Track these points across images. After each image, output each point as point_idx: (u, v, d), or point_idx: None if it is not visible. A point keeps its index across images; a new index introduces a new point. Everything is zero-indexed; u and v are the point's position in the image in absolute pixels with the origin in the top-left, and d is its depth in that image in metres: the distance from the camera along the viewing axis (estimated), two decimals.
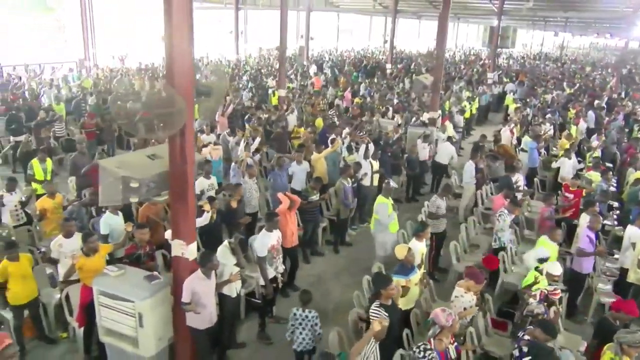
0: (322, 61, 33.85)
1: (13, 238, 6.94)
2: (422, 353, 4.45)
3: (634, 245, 7.31)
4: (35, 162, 9.58)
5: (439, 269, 8.81)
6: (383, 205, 8.03)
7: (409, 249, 6.19)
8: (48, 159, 9.82)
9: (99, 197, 5.28)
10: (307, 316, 5.87)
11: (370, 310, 5.28)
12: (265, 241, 6.59)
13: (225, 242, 6.34)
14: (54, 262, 6.66)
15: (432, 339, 4.76)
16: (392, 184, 8.58)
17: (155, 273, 5.91)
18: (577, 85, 24.46)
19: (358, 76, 26.96)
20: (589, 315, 7.55)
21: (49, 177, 9.62)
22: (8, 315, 6.64)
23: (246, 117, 14.43)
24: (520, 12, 25.34)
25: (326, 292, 8.26)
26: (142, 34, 35.02)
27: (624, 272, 7.59)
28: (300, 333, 5.89)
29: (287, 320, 7.21)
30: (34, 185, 9.54)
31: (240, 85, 20.77)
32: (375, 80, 24.75)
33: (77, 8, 24.33)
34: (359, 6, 41.51)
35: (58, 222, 8.00)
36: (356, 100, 18.63)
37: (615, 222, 9.77)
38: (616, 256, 8.38)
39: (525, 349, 4.79)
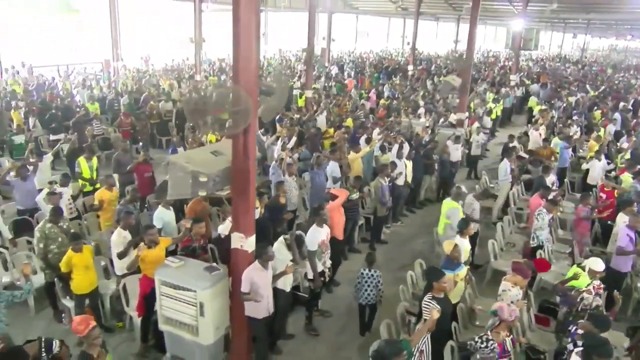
0: (342, 63, 34.12)
1: (72, 230, 7.28)
2: (484, 343, 4.66)
3: None
4: (82, 160, 9.91)
5: (474, 266, 8.98)
6: (454, 210, 8.23)
7: (456, 245, 6.39)
8: (94, 157, 10.16)
9: (168, 191, 5.54)
10: (372, 275, 6.79)
11: (423, 302, 5.50)
12: (316, 236, 6.83)
13: (281, 238, 6.61)
14: (125, 256, 6.87)
15: (489, 331, 4.97)
16: (464, 189, 8.77)
17: (214, 264, 6.18)
18: (602, 87, 24.40)
19: (379, 77, 27.19)
20: (628, 313, 7.68)
21: (94, 175, 9.98)
22: (69, 303, 6.98)
23: (277, 117, 14.69)
24: (543, 14, 25.37)
25: None
26: (164, 36, 35.70)
27: None
28: (366, 290, 6.82)
29: (331, 314, 7.53)
30: (81, 182, 9.87)
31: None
32: (397, 81, 24.90)
33: (100, 9, 24.81)
34: (379, 8, 41.69)
35: (112, 214, 8.41)
36: (382, 101, 18.84)
37: None
38: None
39: (579, 342, 4.97)
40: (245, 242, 5.85)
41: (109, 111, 16.34)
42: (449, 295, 5.80)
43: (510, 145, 12.14)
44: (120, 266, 6.92)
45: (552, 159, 11.88)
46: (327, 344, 7.03)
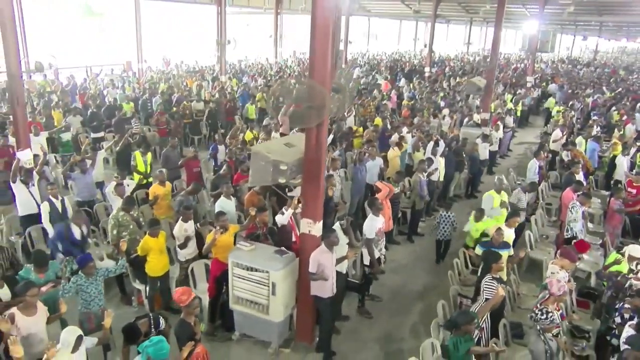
0: (357, 65, 34.63)
1: (141, 218, 7.82)
2: (544, 315, 5.14)
3: None
4: (137, 154, 10.43)
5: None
6: (489, 197, 8.75)
7: (499, 228, 6.89)
8: (149, 153, 10.68)
9: (249, 179, 6.06)
10: (448, 216, 9.00)
11: (484, 283, 5.99)
12: (374, 224, 7.34)
13: (337, 224, 7.11)
14: (184, 247, 7.41)
15: (538, 304, 5.45)
16: (505, 181, 9.29)
17: (283, 248, 6.70)
18: (619, 89, 24.84)
19: (396, 79, 27.71)
20: None
21: (149, 169, 10.52)
22: (139, 286, 7.51)
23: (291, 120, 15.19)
24: (561, 17, 25.82)
25: (411, 275, 9.01)
26: (184, 38, 36.37)
27: None
28: (443, 227, 9.00)
29: (381, 299, 8.04)
30: (135, 176, 10.40)
31: (290, 87, 21.57)
32: (416, 83, 25.39)
33: (121, 12, 25.29)
34: (392, 11, 42.16)
35: (167, 208, 8.96)
36: (404, 102, 19.34)
37: None
38: None
39: (627, 315, 5.46)
40: (314, 227, 6.36)
41: (142, 111, 16.88)
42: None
43: (543, 143, 12.57)
44: (182, 254, 7.47)
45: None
46: (380, 325, 7.52)
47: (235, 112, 17.56)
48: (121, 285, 7.81)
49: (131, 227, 7.54)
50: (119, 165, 12.14)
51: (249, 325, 6.82)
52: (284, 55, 36.87)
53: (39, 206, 8.32)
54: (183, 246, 7.28)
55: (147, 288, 7.31)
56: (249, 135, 12.64)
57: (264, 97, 18.98)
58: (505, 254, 7.00)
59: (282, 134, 13.77)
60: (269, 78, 24.68)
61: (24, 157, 8.74)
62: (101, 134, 14.32)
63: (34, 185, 8.60)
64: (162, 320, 5.40)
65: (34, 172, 8.69)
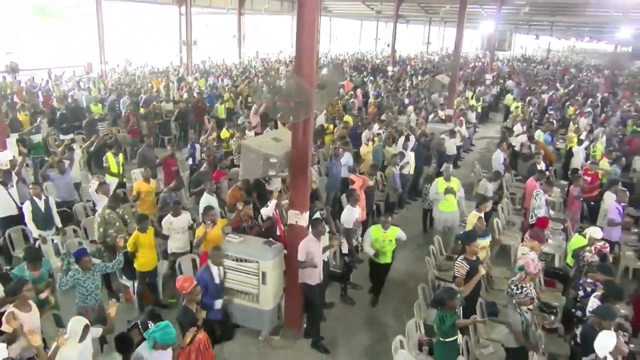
0: (322, 65, 35.01)
1: (126, 216, 7.94)
2: (519, 290, 5.60)
3: None
4: (109, 155, 10.48)
5: None
6: (434, 184, 9.24)
7: (480, 217, 7.37)
8: (120, 153, 10.74)
9: (240, 172, 6.31)
10: None
11: (455, 262, 6.44)
12: (352, 214, 7.71)
13: (318, 214, 7.44)
14: (166, 238, 7.63)
15: (516, 282, 5.93)
16: (452, 169, 9.78)
17: (271, 239, 6.97)
18: (572, 85, 26.14)
19: (359, 78, 28.23)
20: (617, 277, 8.80)
21: (121, 170, 10.58)
22: (127, 283, 7.64)
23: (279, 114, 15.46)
24: (517, 17, 26.93)
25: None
26: (145, 39, 35.93)
27: None
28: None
29: (362, 287, 8.41)
30: (108, 177, 10.42)
31: (258, 87, 21.78)
32: (381, 81, 25.97)
33: (78, 13, 24.92)
34: (354, 11, 42.81)
35: (150, 205, 9.08)
36: (371, 100, 19.86)
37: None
38: (635, 230, 9.76)
39: (589, 289, 6.01)
40: (301, 218, 6.66)
41: (110, 112, 16.76)
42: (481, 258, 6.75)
43: (506, 136, 13.26)
44: (171, 246, 7.69)
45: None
46: (364, 311, 7.90)
47: (204, 112, 17.65)
48: (108, 282, 7.90)
49: (117, 224, 7.64)
50: (94, 166, 12.11)
51: (239, 315, 7.04)
52: (248, 56, 36.90)
53: (19, 208, 8.33)
54: (164, 237, 7.51)
55: (136, 284, 7.45)
56: (225, 134, 12.83)
57: (231, 97, 19.16)
58: (486, 241, 7.50)
59: (256, 133, 14.07)
60: (235, 78, 24.78)
61: (2, 158, 8.70)
62: (71, 136, 14.18)
63: (12, 186, 8.58)
64: (150, 324, 5.59)
65: (13, 174, 8.67)
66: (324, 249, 6.95)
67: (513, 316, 5.52)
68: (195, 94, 18.53)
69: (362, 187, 8.82)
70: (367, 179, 9.08)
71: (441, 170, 10.04)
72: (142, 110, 16.36)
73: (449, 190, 9.06)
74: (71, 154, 10.26)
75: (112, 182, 9.20)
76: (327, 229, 7.29)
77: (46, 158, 11.98)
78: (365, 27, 53.69)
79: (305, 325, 7.12)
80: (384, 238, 7.55)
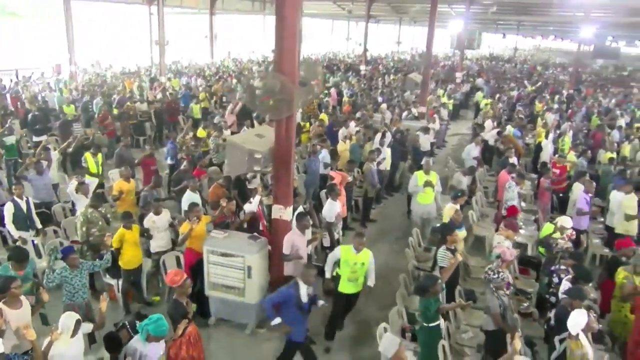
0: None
1: (108, 215, 7.96)
2: (496, 274, 5.88)
3: (619, 207, 9.05)
4: (88, 156, 10.42)
5: None
6: (414, 177, 9.50)
7: (457, 209, 7.66)
8: (99, 153, 10.69)
9: (225, 169, 6.43)
10: None
11: (439, 253, 6.70)
12: (334, 208, 7.90)
13: (300, 208, 7.61)
14: (150, 237, 7.68)
15: (494, 269, 6.21)
16: (432, 162, 10.05)
17: (256, 234, 7.11)
18: (539, 83, 26.96)
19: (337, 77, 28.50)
20: (586, 263, 9.22)
21: (100, 170, 10.54)
22: (111, 281, 7.66)
23: (255, 113, 15.57)
24: (485, 16, 27.60)
25: None
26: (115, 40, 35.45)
27: (609, 230, 9.37)
28: None
29: None
30: (88, 177, 10.36)
31: (232, 86, 21.87)
32: (351, 80, 26.26)
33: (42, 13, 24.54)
34: (325, 11, 43.08)
35: (131, 203, 9.10)
36: (345, 98, 20.13)
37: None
38: (600, 219, 10.23)
39: (562, 275, 6.33)
40: (284, 212, 6.82)
41: (84, 113, 16.59)
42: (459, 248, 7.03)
43: (478, 131, 13.68)
44: (153, 245, 7.74)
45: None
46: None
47: (179, 112, 17.62)
48: (92, 282, 7.89)
49: (100, 223, 7.66)
50: (70, 167, 12.04)
51: (225, 309, 7.17)
52: (220, 56, 36.79)
53: None
54: (150, 236, 7.55)
55: (120, 282, 7.49)
56: (201, 133, 12.88)
57: (206, 97, 19.17)
58: (463, 232, 7.78)
59: (232, 132, 14.15)
60: (208, 78, 24.76)
61: None
62: (44, 137, 13.98)
63: None
64: (138, 324, 5.66)
65: None
66: (308, 242, 7.11)
67: (491, 300, 5.79)
68: (168, 94, 18.50)
69: (341, 183, 9.02)
70: (346, 175, 9.30)
71: (422, 163, 10.26)
72: (115, 111, 16.26)
73: (428, 184, 9.34)
74: (48, 154, 10.16)
75: (92, 182, 9.16)
76: (311, 223, 7.47)
77: (19, 160, 11.87)
78: (337, 26, 54.08)
79: None
80: (355, 261, 6.55)
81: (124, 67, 27.16)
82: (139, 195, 9.29)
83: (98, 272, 7.66)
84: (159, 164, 11.98)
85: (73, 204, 9.35)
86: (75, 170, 11.44)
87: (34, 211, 8.20)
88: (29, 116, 14.24)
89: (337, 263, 6.66)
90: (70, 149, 11.39)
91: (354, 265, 6.52)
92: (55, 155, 10.64)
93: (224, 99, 19.35)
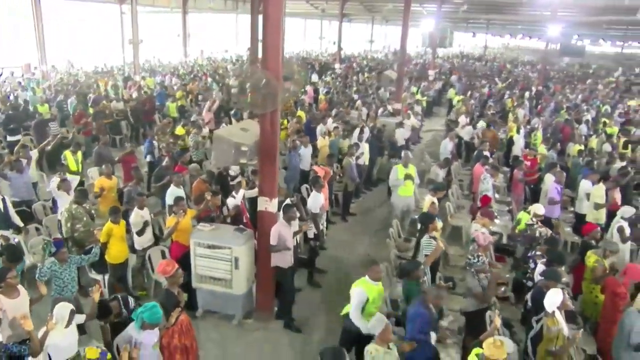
0: None
1: (92, 211, 7.98)
2: (476, 259, 6.17)
3: (588, 195, 9.48)
4: (68, 153, 10.38)
5: None
6: (394, 170, 9.75)
7: (434, 201, 7.94)
8: (79, 151, 10.66)
9: (212, 162, 6.54)
10: None
11: (423, 241, 6.95)
12: (318, 200, 8.10)
13: (288, 200, 7.78)
14: (142, 233, 7.70)
15: (473, 253, 6.50)
16: (410, 155, 10.32)
17: (242, 226, 7.24)
18: (509, 80, 27.67)
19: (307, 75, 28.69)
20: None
21: (80, 168, 10.51)
22: (97, 277, 7.69)
23: (233, 111, 15.67)
24: (456, 15, 28.19)
25: (350, 249, 9.88)
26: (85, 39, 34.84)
27: (579, 217, 9.81)
28: None
29: (326, 271, 8.81)
30: (68, 175, 10.31)
31: (208, 85, 21.87)
32: (326, 78, 26.52)
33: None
34: (298, 10, 43.23)
35: (113, 200, 9.11)
36: (321, 96, 20.35)
37: None
38: (571, 209, 10.68)
39: (538, 261, 6.67)
40: (270, 204, 6.97)
41: (59, 112, 16.40)
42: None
43: (452, 127, 14.07)
44: (140, 242, 7.78)
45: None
46: (330, 293, 8.27)
47: (155, 111, 17.55)
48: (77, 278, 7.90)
49: (85, 219, 7.69)
50: (47, 167, 11.94)
51: (212, 301, 7.30)
52: (193, 55, 36.60)
53: None
54: (141, 233, 7.58)
55: (106, 277, 7.53)
56: (180, 131, 12.92)
57: (183, 95, 19.15)
58: (440, 222, 8.05)
59: (210, 130, 14.21)
60: (183, 77, 24.69)
61: None
62: (19, 137, 13.79)
63: None
64: (131, 300, 5.78)
65: None
66: (295, 234, 7.28)
67: (472, 281, 6.07)
68: (143, 93, 18.42)
69: (325, 179, 9.21)
70: (329, 171, 9.51)
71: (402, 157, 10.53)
72: (91, 110, 16.12)
73: (408, 177, 9.61)
74: (27, 152, 10.08)
75: (73, 179, 9.15)
76: (298, 215, 7.64)
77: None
78: (309, 25, 54.25)
79: (276, 308, 7.43)
80: (379, 292, 5.88)
81: (97, 67, 26.81)
82: (120, 192, 9.32)
83: (83, 268, 7.70)
84: (138, 162, 11.99)
85: (54, 202, 9.33)
86: (55, 169, 11.47)
87: (11, 210, 8.14)
88: (3, 116, 14.04)
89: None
90: (48, 148, 11.26)
91: (378, 296, 5.89)
92: (34, 153, 10.55)
93: (200, 97, 19.34)
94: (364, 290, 5.65)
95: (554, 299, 5.21)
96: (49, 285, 6.02)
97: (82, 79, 22.40)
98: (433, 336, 5.51)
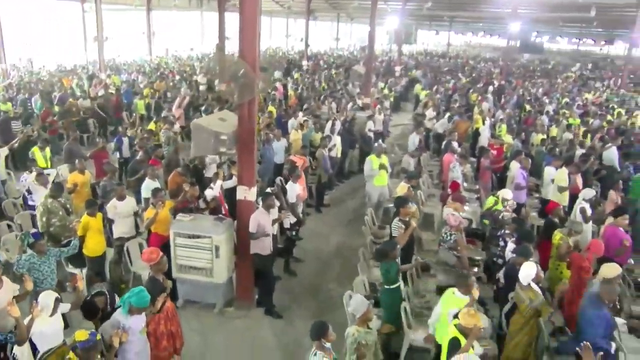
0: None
1: (68, 206, 7.92)
2: (449, 237, 6.43)
3: (553, 181, 9.92)
4: (36, 150, 10.26)
5: None
6: (368, 161, 9.96)
7: (409, 187, 8.19)
8: (47, 148, 10.52)
9: (192, 151, 6.61)
10: None
11: (393, 224, 7.19)
12: (294, 189, 8.24)
13: (268, 189, 7.90)
14: (111, 222, 7.72)
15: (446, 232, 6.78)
16: (384, 145, 10.54)
17: (221, 215, 7.33)
18: (473, 75, 28.39)
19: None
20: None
21: (49, 164, 10.37)
22: (74, 271, 7.64)
23: (203, 107, 15.65)
24: (420, 12, 28.73)
25: (326, 239, 10.09)
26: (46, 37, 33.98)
27: (544, 202, 10.25)
28: None
29: (303, 260, 8.97)
30: None
31: (175, 83, 21.72)
32: (297, 75, 26.64)
33: None
34: (265, 8, 43.16)
35: (86, 195, 9.03)
36: (290, 92, 20.48)
37: None
38: (536, 195, 11.13)
39: (507, 239, 6.99)
40: (249, 193, 7.08)
41: (23, 110, 16.02)
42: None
43: (420, 120, 14.45)
44: (117, 230, 7.78)
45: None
46: (308, 281, 8.49)
47: (123, 108, 17.36)
48: None
49: (60, 213, 7.63)
50: (15, 164, 11.72)
51: (193, 291, 7.36)
52: (158, 53, 36.15)
53: None
54: (110, 221, 7.62)
55: (84, 271, 7.49)
56: (152, 126, 12.87)
57: (150, 93, 18.97)
58: (414, 207, 8.29)
59: (181, 126, 14.20)
60: (149, 75, 24.43)
61: None
62: None
63: None
64: (116, 297, 5.79)
65: None
66: (274, 222, 7.40)
67: (446, 256, 6.37)
68: (110, 91, 18.19)
69: (302, 168, 9.37)
70: (306, 160, 9.67)
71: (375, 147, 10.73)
72: (56, 109, 15.85)
73: (382, 166, 9.85)
74: None
75: (51, 172, 9.04)
76: (278, 204, 7.76)
77: None
78: (275, 23, 54.20)
79: (257, 296, 7.55)
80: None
81: (60, 65, 26.21)
82: (94, 187, 9.26)
83: (60, 262, 7.63)
84: (109, 158, 11.89)
85: (24, 199, 9.19)
86: (24, 166, 11.26)
87: None
88: None
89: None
90: (16, 145, 11.06)
91: None
92: (4, 151, 10.35)
93: (168, 94, 19.20)
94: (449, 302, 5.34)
95: (528, 271, 5.51)
96: None
97: (46, 78, 21.86)
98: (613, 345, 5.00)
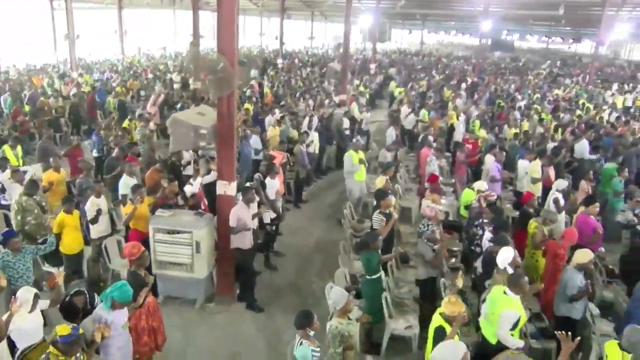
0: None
1: (43, 203, 7.78)
2: (426, 227, 6.54)
3: (526, 173, 10.15)
4: (6, 148, 10.05)
5: None
6: (348, 157, 10.03)
7: (387, 179, 8.28)
8: (18, 146, 10.32)
9: (170, 146, 6.56)
10: None
11: (374, 217, 7.27)
12: (272, 185, 8.26)
13: (248, 184, 7.90)
14: (95, 222, 7.58)
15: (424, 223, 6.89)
16: (362, 141, 10.60)
17: (201, 211, 7.30)
18: (447, 72, 28.77)
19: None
20: None
21: (21, 162, 10.17)
22: (51, 269, 7.52)
23: (179, 105, 15.51)
24: (394, 10, 28.96)
25: (305, 234, 10.11)
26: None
27: (518, 195, 10.47)
28: None
29: (284, 254, 8.99)
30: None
31: (148, 81, 21.49)
32: (273, 73, 26.60)
33: None
34: (240, 6, 42.92)
35: (62, 194, 8.88)
36: (266, 90, 20.45)
37: None
38: (510, 188, 11.37)
39: (485, 227, 7.14)
40: (229, 188, 7.07)
41: None
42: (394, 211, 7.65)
43: (396, 116, 14.58)
44: (94, 230, 7.66)
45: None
46: (289, 275, 8.51)
47: (96, 107, 17.11)
48: None
49: (36, 211, 7.49)
50: None
51: (173, 287, 7.31)
52: (130, 52, 35.62)
53: None
54: (94, 221, 7.46)
55: (62, 269, 7.36)
56: (126, 124, 12.72)
57: (123, 91, 18.74)
58: (393, 199, 8.40)
59: (156, 124, 14.06)
60: (122, 73, 24.11)
61: None
62: None
63: None
64: (96, 297, 5.69)
65: None
66: (254, 216, 7.40)
67: (424, 248, 6.47)
68: (81, 90, 17.91)
69: (280, 163, 9.39)
70: (284, 155, 9.68)
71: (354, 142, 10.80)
72: (27, 108, 15.54)
73: (361, 161, 9.94)
74: None
75: (28, 170, 8.86)
76: (258, 199, 7.76)
77: None
78: (249, 22, 53.91)
79: (238, 291, 7.54)
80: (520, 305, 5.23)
81: (29, 64, 25.65)
82: (69, 185, 9.12)
83: (36, 261, 7.49)
84: (84, 156, 11.71)
85: None
86: None
87: None
88: None
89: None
90: None
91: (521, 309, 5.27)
92: None
93: (142, 93, 18.99)
94: (516, 312, 5.07)
95: (506, 255, 5.65)
96: None
97: (15, 77, 21.38)
98: None
